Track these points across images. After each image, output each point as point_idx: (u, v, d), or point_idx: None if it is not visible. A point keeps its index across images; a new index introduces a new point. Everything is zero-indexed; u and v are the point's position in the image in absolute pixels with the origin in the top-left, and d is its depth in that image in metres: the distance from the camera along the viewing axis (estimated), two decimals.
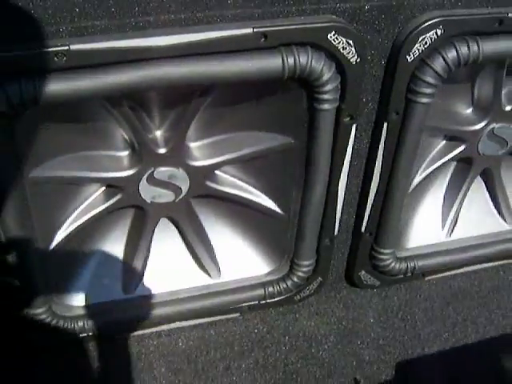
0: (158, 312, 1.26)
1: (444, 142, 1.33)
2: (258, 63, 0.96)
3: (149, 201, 1.17)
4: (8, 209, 1.02)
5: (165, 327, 1.32)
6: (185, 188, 1.17)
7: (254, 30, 0.93)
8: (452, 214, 1.43)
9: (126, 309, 1.24)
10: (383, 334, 1.37)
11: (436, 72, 1.07)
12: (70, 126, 1.05)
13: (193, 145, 1.15)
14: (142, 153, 1.10)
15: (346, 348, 1.34)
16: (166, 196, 1.17)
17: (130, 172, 1.12)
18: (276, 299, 1.33)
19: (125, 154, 1.12)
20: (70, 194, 1.14)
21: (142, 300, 1.26)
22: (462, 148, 1.32)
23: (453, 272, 1.49)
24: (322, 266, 1.33)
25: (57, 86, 0.88)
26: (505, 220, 1.48)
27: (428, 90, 1.09)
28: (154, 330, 1.32)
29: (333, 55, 1.00)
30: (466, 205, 1.44)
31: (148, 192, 1.15)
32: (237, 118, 1.12)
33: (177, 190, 1.17)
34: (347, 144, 1.14)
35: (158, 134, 1.11)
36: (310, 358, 1.32)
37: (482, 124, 1.29)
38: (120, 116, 1.05)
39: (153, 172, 1.12)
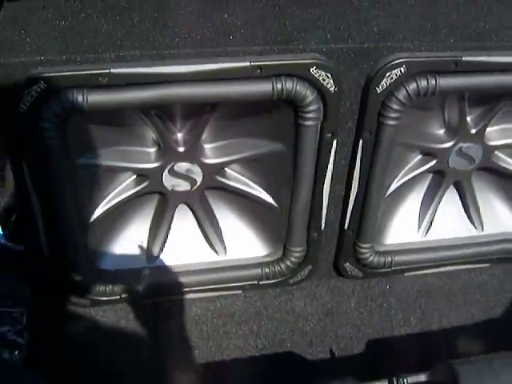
0: (173, 280, 1.67)
1: (420, 156, 1.69)
2: (253, 88, 1.35)
3: (170, 189, 1.57)
4: (61, 188, 1.47)
5: (177, 297, 1.74)
6: (199, 180, 1.57)
7: (251, 63, 1.32)
8: (427, 217, 1.78)
9: (146, 276, 1.67)
10: (361, 316, 1.74)
11: (400, 101, 1.43)
12: (111, 127, 1.45)
13: (207, 146, 1.55)
14: (165, 150, 1.51)
15: (327, 325, 1.71)
16: (183, 186, 1.58)
17: (156, 164, 1.53)
18: (272, 281, 1.71)
19: (152, 150, 1.53)
20: (108, 179, 1.54)
21: (162, 269, 1.68)
22: (434, 162, 1.68)
23: (429, 271, 1.83)
24: (311, 255, 1.71)
25: (99, 99, 1.29)
26: (474, 226, 1.83)
27: (394, 115, 1.45)
28: (169, 298, 1.75)
29: (314, 84, 1.38)
30: (441, 211, 1.79)
31: (169, 181, 1.56)
32: (241, 127, 1.51)
33: (192, 181, 1.57)
34: (329, 155, 1.51)
35: (179, 136, 1.52)
36: (296, 330, 1.69)
37: (451, 143, 1.65)
38: (149, 121, 1.47)
39: (173, 166, 1.53)
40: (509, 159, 1.74)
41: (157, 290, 1.69)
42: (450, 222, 1.82)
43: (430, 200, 1.78)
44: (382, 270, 1.78)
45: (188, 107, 1.46)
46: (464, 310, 1.78)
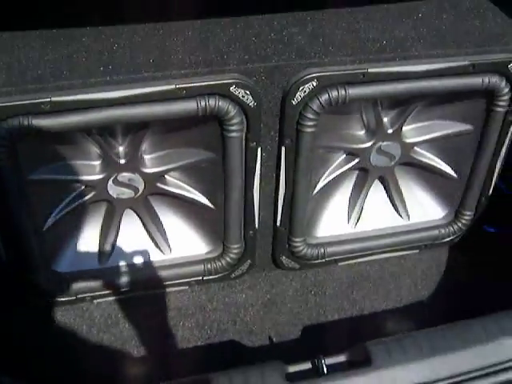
0: (124, 279, 1.89)
1: (344, 156, 1.91)
2: (180, 107, 1.55)
3: (115, 196, 1.79)
4: (13, 201, 1.67)
5: (129, 295, 1.93)
6: (141, 188, 1.78)
7: (176, 86, 1.54)
8: (356, 210, 2.01)
9: (99, 276, 1.90)
10: (297, 305, 1.95)
11: (314, 110, 1.65)
12: (58, 145, 1.65)
13: (146, 157, 1.75)
14: (108, 163, 1.72)
15: (266, 314, 1.93)
16: (127, 193, 1.79)
17: (101, 176, 1.73)
18: (216, 276, 1.94)
19: (97, 163, 1.73)
20: (59, 190, 1.75)
21: (113, 269, 1.89)
22: (356, 161, 1.90)
23: (361, 259, 2.06)
24: (249, 251, 1.93)
25: (43, 123, 1.49)
26: (401, 216, 2.06)
27: (310, 123, 1.66)
28: (121, 296, 1.97)
29: (235, 101, 1.58)
30: (369, 203, 2.02)
31: (114, 190, 1.76)
32: (176, 139, 1.71)
33: (135, 189, 1.79)
34: (255, 162, 1.72)
35: (120, 149, 1.72)
36: (238, 320, 1.91)
37: (371, 143, 1.86)
38: (92, 139, 1.69)
39: (116, 176, 1.75)
40: (427, 154, 1.96)
41: (109, 289, 1.91)
42: (378, 214, 2.05)
43: (357, 194, 2.01)
44: (317, 261, 2.01)
45: (125, 125, 1.67)
46: (393, 294, 2.01)
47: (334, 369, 1.51)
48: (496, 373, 1.49)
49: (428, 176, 2.03)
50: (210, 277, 1.95)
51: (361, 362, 1.52)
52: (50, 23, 1.62)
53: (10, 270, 1.81)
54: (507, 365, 1.50)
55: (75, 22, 1.63)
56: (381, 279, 2.05)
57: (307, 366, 1.51)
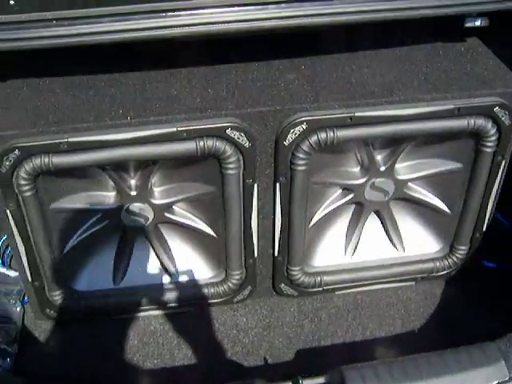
0: (134, 299, 2.07)
1: (340, 191, 2.05)
2: (180, 147, 1.74)
3: (127, 224, 2.00)
4: (36, 228, 1.87)
5: (139, 314, 2.12)
6: (150, 217, 1.99)
7: (178, 129, 1.71)
8: (352, 242, 2.14)
9: (113, 296, 2.08)
10: (293, 329, 2.08)
11: (305, 151, 1.80)
12: (77, 178, 1.85)
13: (156, 189, 1.95)
14: (121, 194, 1.93)
15: (264, 337, 2.06)
16: (138, 222, 2.01)
17: (114, 206, 1.94)
18: (218, 300, 2.11)
19: (111, 194, 1.95)
20: (77, 218, 1.96)
21: (126, 290, 2.08)
22: (351, 196, 2.03)
23: (359, 289, 2.20)
24: (249, 278, 2.09)
25: (61, 161, 1.70)
26: (396, 249, 2.18)
27: (302, 162, 1.81)
28: (133, 315, 2.14)
29: (231, 142, 1.75)
30: (366, 235, 2.15)
31: (126, 219, 1.97)
32: (181, 174, 1.90)
33: (145, 218, 2.00)
34: (252, 197, 1.89)
35: (132, 182, 1.93)
36: (237, 342, 2.05)
37: (365, 179, 2.00)
38: (106, 173, 1.88)
39: (128, 206, 1.95)
40: (421, 190, 2.08)
41: (122, 308, 2.11)
42: (375, 246, 2.18)
43: (354, 227, 2.14)
44: (315, 290, 2.15)
45: (135, 162, 1.86)
46: (386, 323, 2.12)
47: None
48: None
49: (423, 211, 2.14)
50: (214, 300, 2.12)
51: None
52: (72, 71, 1.88)
53: (35, 289, 2.03)
54: None
55: (93, 69, 1.87)
56: (376, 308, 2.17)
57: None
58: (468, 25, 1.90)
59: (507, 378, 1.62)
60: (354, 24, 1.72)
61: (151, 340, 2.09)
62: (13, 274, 2.15)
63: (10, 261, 2.26)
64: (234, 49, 1.92)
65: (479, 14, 1.88)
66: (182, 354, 2.05)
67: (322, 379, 1.70)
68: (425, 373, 1.64)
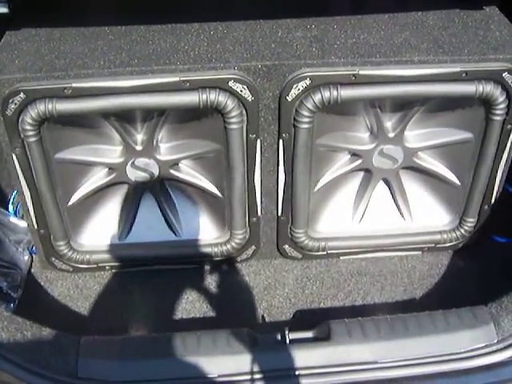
0: (139, 254, 2.13)
1: (348, 156, 2.06)
2: (183, 98, 1.78)
3: (133, 179, 2.06)
4: (40, 177, 1.93)
5: (144, 268, 2.17)
6: (156, 173, 2.04)
7: (180, 78, 1.76)
8: (360, 209, 2.15)
9: (117, 250, 2.15)
10: (294, 290, 2.11)
11: (308, 108, 1.82)
12: (83, 129, 1.92)
13: (162, 145, 2.00)
14: (127, 148, 1.98)
15: (264, 296, 2.09)
16: (143, 177, 2.06)
17: (120, 160, 1.99)
18: (222, 258, 2.15)
19: (117, 148, 1.99)
20: (82, 171, 2.01)
21: (130, 245, 2.15)
22: (359, 162, 2.05)
23: (363, 255, 2.20)
24: (253, 237, 2.13)
25: (65, 106, 1.77)
26: (404, 218, 2.18)
27: (305, 119, 1.83)
28: (136, 269, 2.18)
29: (234, 94, 1.79)
30: (374, 203, 2.16)
31: (132, 173, 2.01)
32: (187, 131, 1.95)
33: (151, 173, 2.04)
34: (255, 153, 1.92)
35: (138, 137, 1.98)
36: (237, 299, 2.09)
37: (373, 145, 2.01)
38: (112, 126, 1.93)
39: (134, 161, 2.00)
40: (430, 160, 2.08)
41: (126, 262, 2.16)
42: (382, 214, 2.19)
43: (362, 194, 2.15)
44: (319, 253, 2.17)
45: (140, 114, 1.91)
46: (388, 290, 2.12)
47: (299, 341, 1.67)
48: (446, 362, 1.59)
49: (433, 181, 2.14)
50: (217, 259, 2.15)
51: (321, 338, 1.67)
52: (84, 22, 1.94)
53: (42, 239, 2.10)
54: (458, 356, 1.60)
55: (105, 21, 1.93)
56: (379, 276, 2.18)
57: (274, 336, 1.68)
58: None
59: (495, 341, 1.61)
60: None
61: (153, 293, 2.15)
62: (24, 224, 2.22)
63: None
64: (244, 6, 1.96)
65: None
66: (181, 308, 2.09)
67: (309, 333, 1.72)
68: (412, 331, 1.66)
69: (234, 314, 2.06)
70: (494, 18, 1.99)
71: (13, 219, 2.24)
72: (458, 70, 1.81)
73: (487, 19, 1.99)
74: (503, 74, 1.82)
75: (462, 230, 2.16)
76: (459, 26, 1.96)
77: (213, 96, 1.79)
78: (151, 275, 2.18)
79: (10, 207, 2.27)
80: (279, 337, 1.69)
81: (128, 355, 1.65)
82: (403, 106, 1.95)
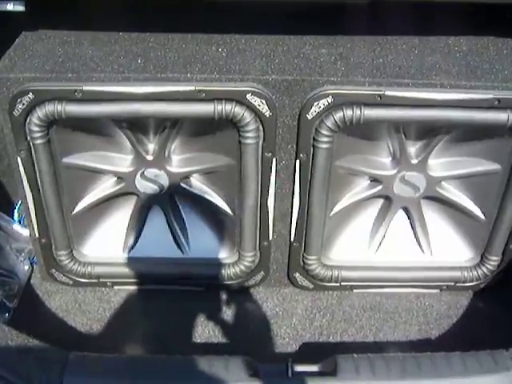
0: (144, 271, 2.02)
1: (368, 181, 1.95)
2: (197, 108, 1.68)
3: (142, 191, 1.95)
4: (46, 181, 1.83)
5: (144, 287, 2.06)
6: (166, 185, 1.93)
7: (196, 88, 1.66)
8: (377, 238, 2.02)
9: (121, 264, 2.04)
10: (302, 321, 1.97)
11: (329, 127, 1.71)
12: (93, 135, 1.82)
13: (174, 157, 1.90)
14: (137, 158, 1.88)
15: (270, 326, 1.97)
16: (153, 189, 1.95)
17: (130, 169, 1.89)
18: (229, 282, 2.02)
19: (128, 157, 1.90)
20: (90, 179, 1.92)
21: (135, 260, 2.03)
22: (379, 188, 1.93)
23: (378, 290, 2.06)
24: (263, 262, 2.01)
25: (75, 109, 1.68)
26: (423, 251, 2.04)
27: (325, 139, 1.72)
28: (140, 287, 2.06)
29: (251, 108, 1.69)
30: (393, 233, 2.03)
31: (141, 184, 1.91)
32: (201, 143, 1.85)
33: (161, 186, 1.93)
34: (270, 172, 1.81)
35: (150, 146, 1.89)
36: (241, 327, 1.97)
37: (395, 171, 1.89)
38: (123, 133, 1.84)
39: (144, 171, 1.90)
40: (454, 190, 1.95)
41: (130, 278, 2.05)
42: (400, 245, 2.06)
43: (380, 222, 2.03)
44: (331, 284, 2.04)
45: (152, 123, 1.82)
46: (402, 328, 1.98)
47: (303, 375, 1.54)
48: None
49: (456, 214, 2.01)
50: (224, 282, 2.03)
51: (327, 373, 1.53)
52: (101, 27, 1.87)
53: (43, 249, 2.01)
54: None
55: (123, 27, 1.85)
56: (393, 313, 2.04)
57: (276, 367, 1.55)
58: None
59: None
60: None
61: (153, 314, 2.03)
62: (27, 233, 2.12)
63: None
64: (269, 20, 1.87)
65: None
66: (181, 332, 1.97)
67: (314, 367, 1.58)
68: (425, 372, 1.51)
69: (237, 341, 1.94)
70: None
71: (16, 227, 2.15)
72: (490, 96, 1.69)
73: None
74: None
75: (485, 269, 2.02)
76: (493, 52, 1.84)
77: (229, 108, 1.69)
78: (154, 295, 2.07)
79: (16, 215, 2.16)
80: (282, 368, 1.55)
81: (118, 374, 1.52)
82: (429, 132, 1.84)
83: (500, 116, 1.71)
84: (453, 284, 2.06)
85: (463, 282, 2.04)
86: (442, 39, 1.90)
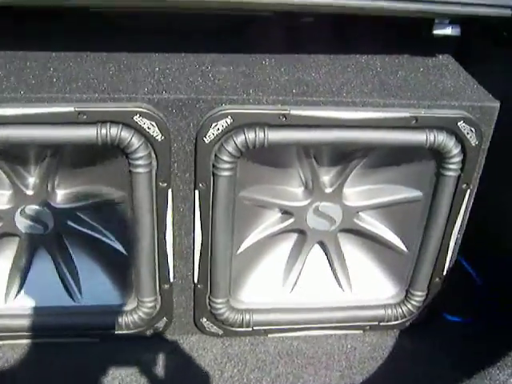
0: (28, 322, 1.71)
1: (279, 214, 1.74)
2: (78, 132, 1.45)
3: (23, 230, 1.68)
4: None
5: (34, 340, 1.77)
6: (51, 225, 1.65)
7: (76, 109, 1.43)
8: (291, 277, 1.81)
9: (2, 316, 1.74)
10: (210, 373, 1.72)
11: (229, 152, 1.50)
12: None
13: (58, 191, 1.65)
14: (16, 193, 1.61)
15: (174, 378, 1.70)
16: (36, 228, 1.66)
17: (7, 206, 1.62)
18: (127, 332, 1.76)
19: (7, 192, 1.63)
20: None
21: (18, 310, 1.73)
22: (291, 220, 1.73)
23: (295, 333, 1.84)
24: (165, 308, 1.76)
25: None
26: (342, 289, 1.84)
27: (226, 166, 1.51)
28: (24, 341, 1.76)
29: (140, 132, 1.47)
30: (309, 271, 1.82)
31: (21, 223, 1.64)
32: (88, 174, 1.61)
33: (45, 225, 1.66)
34: (166, 205, 1.59)
35: (31, 180, 1.61)
36: (142, 380, 1.71)
37: (307, 202, 1.70)
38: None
39: (24, 208, 1.63)
40: (373, 221, 1.77)
41: (13, 332, 1.75)
42: (318, 284, 1.85)
43: (294, 259, 1.82)
44: (243, 329, 1.81)
45: (32, 152, 1.57)
46: (322, 374, 1.75)
47: None
48: None
49: (376, 247, 1.83)
50: (122, 332, 1.77)
51: None
52: None
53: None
54: None
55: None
56: (312, 357, 1.82)
57: None
58: (437, 31, 1.67)
59: None
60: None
61: (40, 372, 1.73)
62: None
63: None
64: (166, 37, 1.68)
65: (451, 21, 1.66)
66: None
67: None
68: None
69: None
70: (448, 66, 1.75)
71: None
72: (406, 115, 1.53)
73: (440, 66, 1.74)
74: (458, 123, 1.55)
75: (410, 306, 1.83)
76: (408, 71, 1.70)
77: (114, 132, 1.46)
78: (40, 350, 1.78)
79: None
80: None
81: None
82: (342, 158, 1.66)
83: (418, 136, 1.55)
84: (376, 323, 1.86)
85: (387, 321, 1.85)
86: (354, 57, 1.74)
